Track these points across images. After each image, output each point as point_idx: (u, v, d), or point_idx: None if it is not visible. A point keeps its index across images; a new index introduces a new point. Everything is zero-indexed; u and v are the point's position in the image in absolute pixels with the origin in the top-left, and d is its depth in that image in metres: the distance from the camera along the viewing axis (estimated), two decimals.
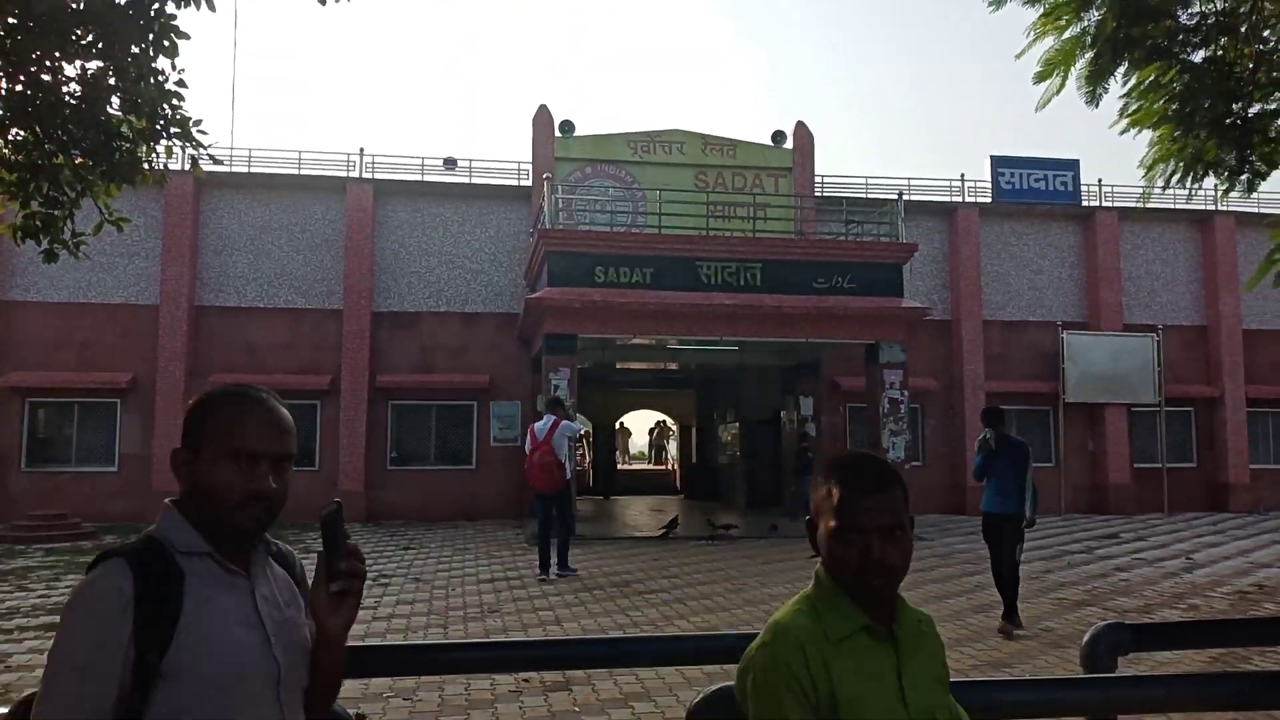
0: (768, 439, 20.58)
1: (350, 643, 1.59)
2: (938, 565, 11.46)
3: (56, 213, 6.56)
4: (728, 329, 15.48)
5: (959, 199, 21.46)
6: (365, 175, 19.68)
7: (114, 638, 1.33)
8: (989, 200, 21.36)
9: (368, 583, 10.09)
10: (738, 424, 21.95)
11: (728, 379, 23.65)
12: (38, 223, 6.47)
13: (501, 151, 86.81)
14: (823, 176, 21.23)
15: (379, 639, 7.21)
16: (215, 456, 1.49)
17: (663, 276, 15.22)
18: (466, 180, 20.18)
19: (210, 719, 1.36)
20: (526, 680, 5.85)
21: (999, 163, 21.36)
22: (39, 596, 9.37)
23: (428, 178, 20.09)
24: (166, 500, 1.55)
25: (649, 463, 39.46)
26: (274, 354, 18.80)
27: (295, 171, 19.55)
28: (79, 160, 6.40)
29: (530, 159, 19.87)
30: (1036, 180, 21.41)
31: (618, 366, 20.64)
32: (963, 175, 21.65)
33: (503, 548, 13.64)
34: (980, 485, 7.99)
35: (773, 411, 20.72)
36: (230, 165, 18.35)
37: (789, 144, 20.84)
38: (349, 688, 5.21)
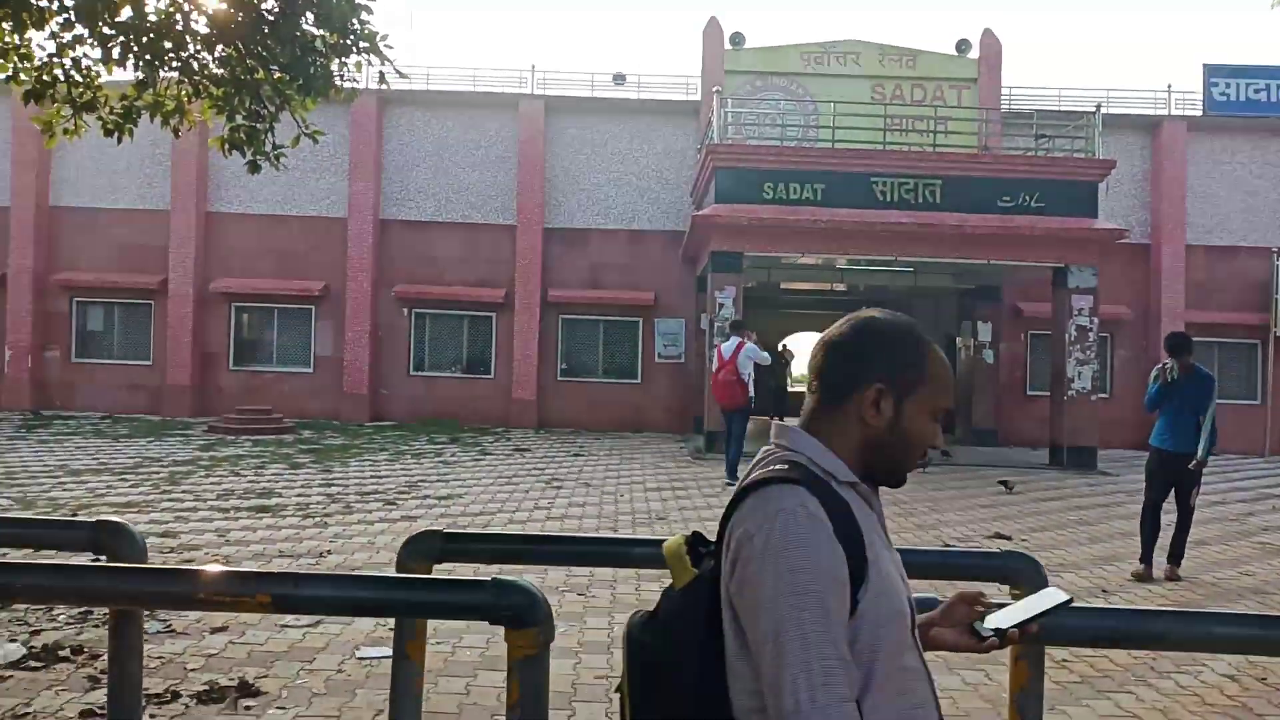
0: None
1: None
2: (1125, 501, 10.85)
3: (258, 126, 6.95)
4: (903, 249, 14.89)
5: (1164, 112, 19.62)
6: (537, 92, 19.87)
7: (841, 572, 1.23)
8: (1199, 114, 19.42)
9: (541, 485, 10.51)
10: None
11: (899, 302, 22.91)
12: (242, 135, 6.88)
13: (670, 66, 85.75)
14: (1010, 88, 19.85)
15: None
16: (923, 408, 1.39)
17: (834, 193, 14.74)
18: (635, 96, 20.06)
19: (887, 664, 1.26)
20: None
21: (1213, 71, 19.30)
22: (249, 481, 10.28)
23: (597, 94, 20.09)
24: (793, 425, 1.42)
25: None
26: (453, 267, 19.54)
27: (470, 89, 19.97)
28: (277, 75, 6.73)
29: (699, 73, 19.52)
30: (1256, 91, 19.25)
31: (783, 287, 20.30)
32: (1169, 86, 19.76)
33: (667, 460, 13.88)
34: (1152, 418, 7.39)
35: (947, 337, 19.95)
36: (410, 82, 18.94)
37: (974, 53, 19.56)
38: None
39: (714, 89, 16.85)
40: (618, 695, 1.42)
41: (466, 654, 4.59)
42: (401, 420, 18.78)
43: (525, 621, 2.05)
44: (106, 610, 5.20)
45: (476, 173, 19.76)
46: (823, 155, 15.46)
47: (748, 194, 14.76)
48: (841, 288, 20.24)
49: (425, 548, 2.73)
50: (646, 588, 5.93)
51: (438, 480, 10.89)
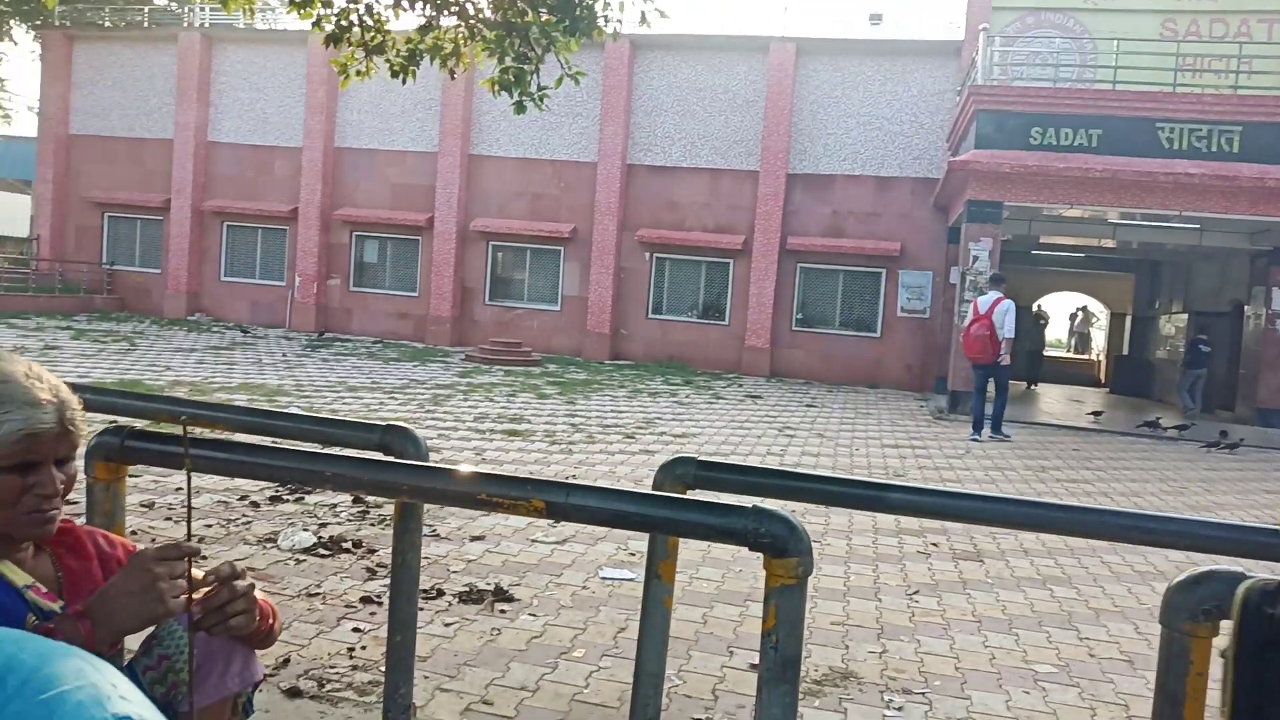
0: (1223, 334, 17.88)
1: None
2: None
3: (525, 68, 7.23)
4: (1189, 203, 13.42)
5: None
6: (788, 34, 19.44)
7: None
8: None
9: (774, 431, 10.49)
10: (1185, 315, 19.29)
11: (1176, 262, 20.75)
12: (510, 77, 7.18)
13: (931, 4, 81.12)
14: None
15: None
16: None
17: (1112, 140, 13.47)
18: (891, 36, 19.17)
19: None
20: (935, 545, 5.76)
21: None
22: (500, 407, 10.97)
23: (851, 35, 19.37)
24: None
25: (1067, 351, 36.41)
26: (693, 212, 19.72)
27: (720, 32, 19.85)
28: (545, 17, 6.96)
29: (964, 10, 18.33)
30: None
31: (1042, 241, 18.93)
32: None
33: (906, 418, 13.44)
34: None
35: (1233, 303, 17.89)
36: (665, 24, 19.07)
37: None
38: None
39: (980, 26, 15.79)
40: (1221, 659, 1.36)
41: (703, 585, 4.68)
42: (638, 360, 19.33)
43: (786, 551, 2.03)
44: (383, 509, 5.74)
45: (722, 117, 19.70)
46: (1102, 97, 14.14)
47: (1012, 139, 13.79)
48: (1110, 244, 18.58)
49: (681, 472, 2.76)
50: (884, 542, 5.78)
51: (672, 419, 11.13)
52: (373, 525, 5.39)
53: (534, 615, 4.15)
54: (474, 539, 5.26)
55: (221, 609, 1.26)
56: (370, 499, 5.88)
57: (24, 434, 1.19)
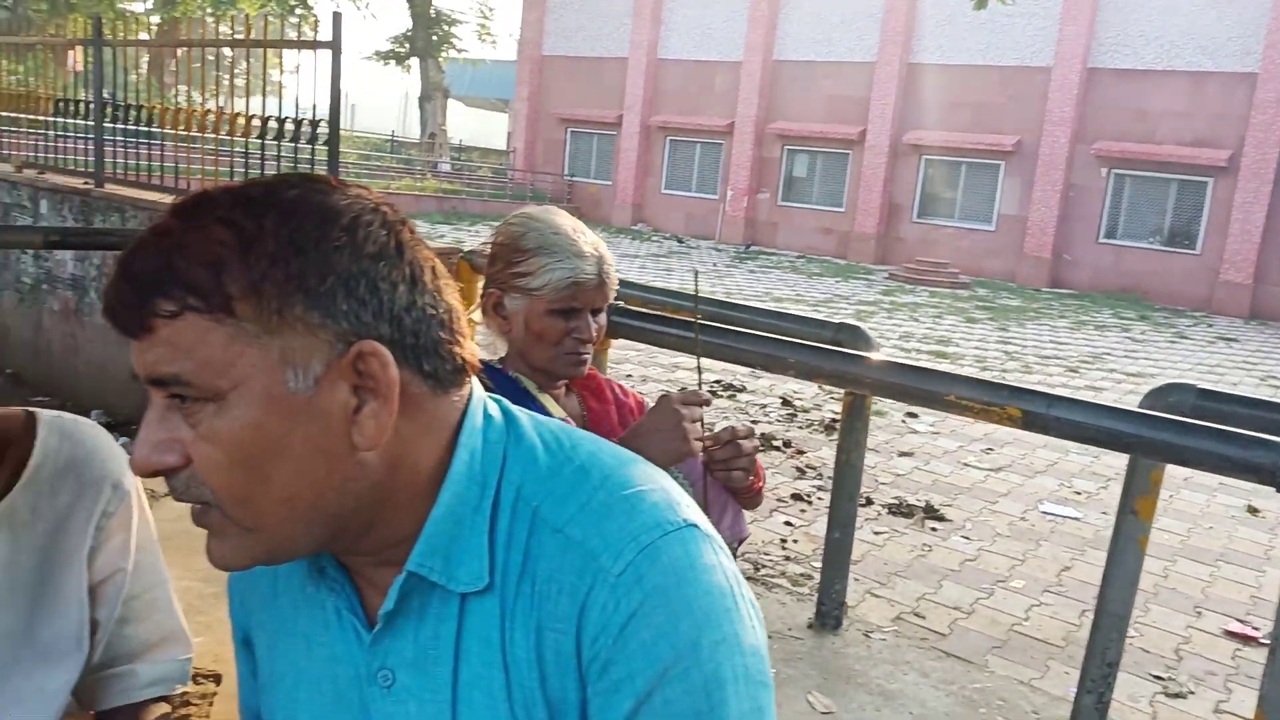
0: None
1: None
2: None
3: None
4: None
5: None
6: None
7: None
8: None
9: (1254, 380, 9.02)
10: None
11: None
12: None
13: None
14: None
15: None
16: None
17: None
18: None
19: None
20: None
21: None
22: (926, 328, 10.58)
23: None
24: None
25: None
26: (1165, 122, 17.18)
27: None
28: None
29: None
30: None
31: None
32: None
33: None
34: None
35: None
36: None
37: None
38: None
39: None
40: None
41: (1164, 536, 4.15)
42: (1082, 290, 17.53)
43: None
44: (809, 414, 5.82)
45: (1214, 11, 16.77)
46: None
47: None
48: None
49: (1175, 400, 2.41)
50: None
51: (1124, 356, 9.97)
52: (800, 429, 5.48)
53: (967, 539, 3.97)
54: (902, 454, 5.14)
55: (727, 460, 1.30)
56: (799, 403, 5.99)
57: (571, 282, 1.31)
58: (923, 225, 19.77)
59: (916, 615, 3.20)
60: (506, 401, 0.78)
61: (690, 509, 0.72)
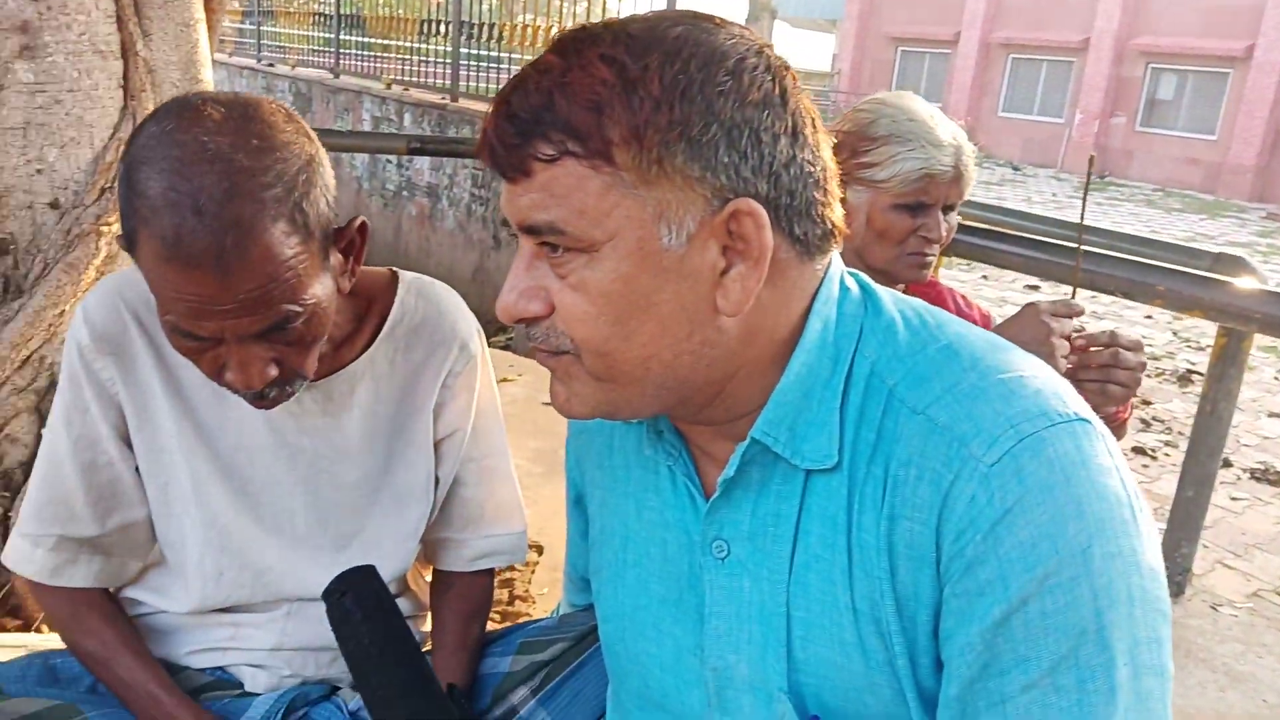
0: None
1: None
2: None
3: None
4: None
5: None
6: None
7: None
8: None
9: None
10: None
11: None
12: None
13: None
14: None
15: None
16: None
17: None
18: None
19: None
20: None
21: None
22: None
23: None
24: None
25: None
26: None
27: None
28: None
29: None
30: None
31: None
32: None
33: None
34: None
35: None
36: None
37: None
38: None
39: None
40: None
41: None
42: None
43: None
44: (1160, 361, 5.20)
45: None
46: None
47: None
48: None
49: None
50: None
51: None
52: (1149, 377, 4.92)
53: None
54: (1272, 415, 4.47)
55: (1106, 369, 1.14)
56: (1148, 350, 5.36)
57: (923, 173, 1.20)
58: None
59: (1278, 594, 2.79)
60: (864, 275, 0.72)
61: (1081, 402, 0.62)
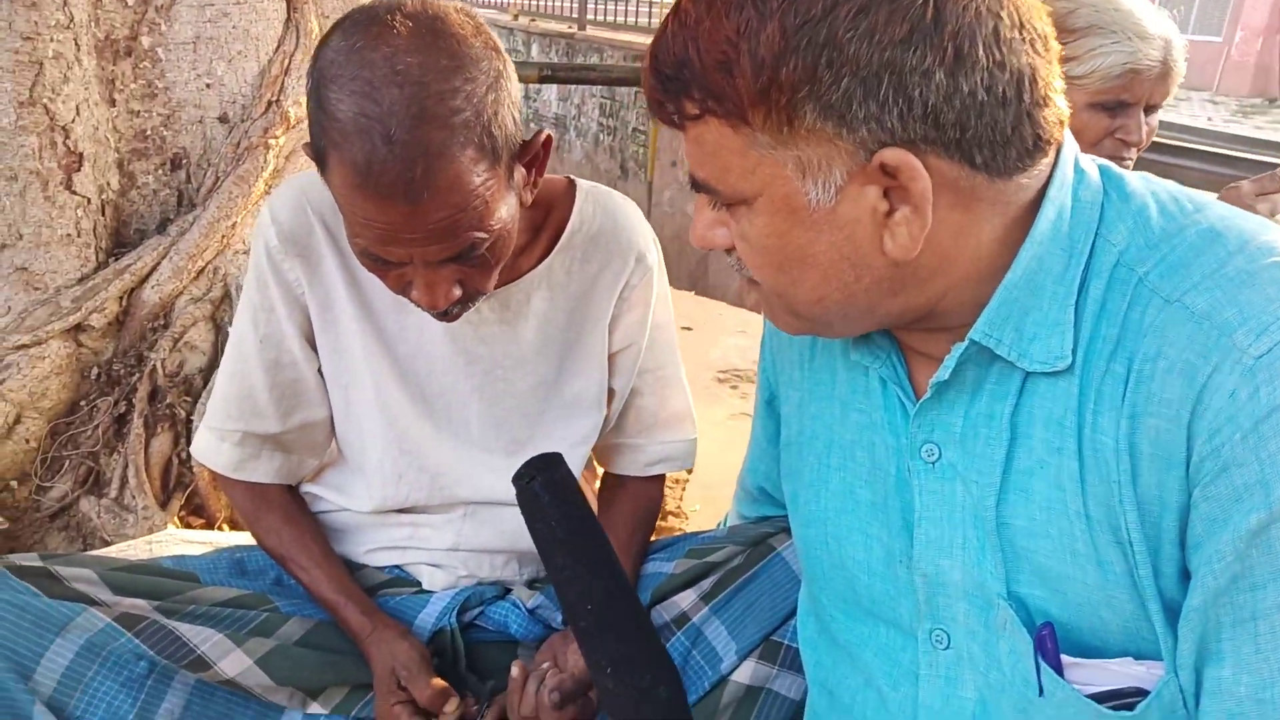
0: None
1: None
2: None
3: None
4: None
5: None
6: None
7: None
8: None
9: None
10: None
11: None
12: None
13: None
14: None
15: None
16: None
17: None
18: None
19: None
20: None
21: None
22: None
23: None
24: None
25: None
26: None
27: None
28: None
29: None
30: None
31: None
32: None
33: None
34: None
35: None
36: None
37: None
38: None
39: None
40: None
41: None
42: None
43: None
44: None
45: None
46: None
47: None
48: None
49: None
50: None
51: None
52: None
53: None
54: None
55: None
56: None
57: (1127, 69, 1.10)
58: None
59: None
60: (1106, 160, 0.66)
61: None
